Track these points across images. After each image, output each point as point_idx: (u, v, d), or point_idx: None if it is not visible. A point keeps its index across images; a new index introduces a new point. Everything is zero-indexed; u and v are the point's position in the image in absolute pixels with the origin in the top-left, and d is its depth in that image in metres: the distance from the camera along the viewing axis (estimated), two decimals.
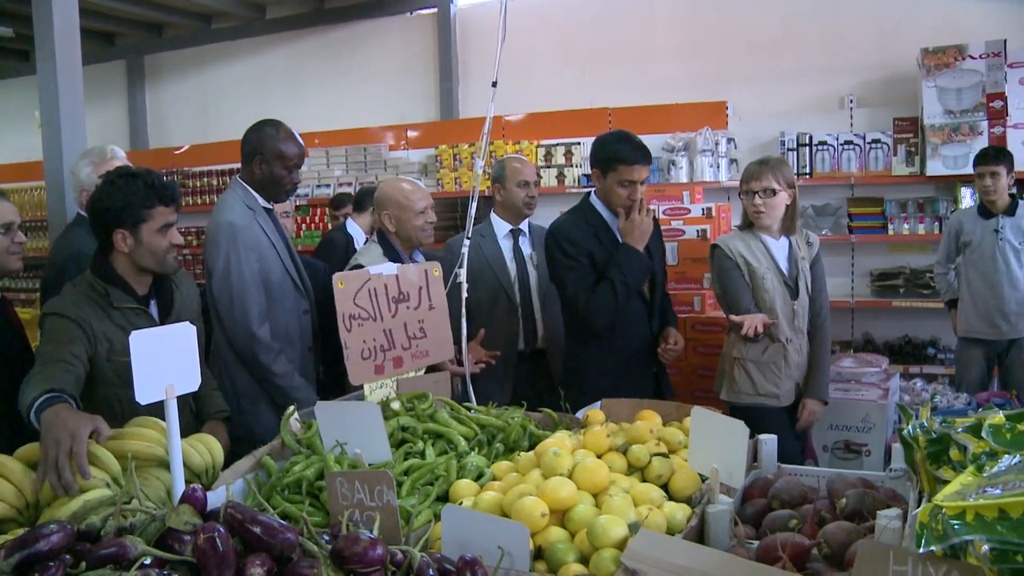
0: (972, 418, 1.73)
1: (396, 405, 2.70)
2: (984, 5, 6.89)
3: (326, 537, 1.71)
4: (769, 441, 2.54)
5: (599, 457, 2.28)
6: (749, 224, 4.02)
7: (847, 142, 6.80)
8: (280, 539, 1.59)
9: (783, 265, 3.95)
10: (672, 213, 5.18)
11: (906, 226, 6.64)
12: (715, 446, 2.11)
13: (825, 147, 6.84)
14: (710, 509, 2.05)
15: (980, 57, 6.44)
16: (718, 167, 6.96)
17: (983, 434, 1.53)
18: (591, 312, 3.75)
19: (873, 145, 6.75)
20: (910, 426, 1.87)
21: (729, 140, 7.13)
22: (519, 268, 4.52)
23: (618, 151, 3.82)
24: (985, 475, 1.40)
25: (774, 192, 3.87)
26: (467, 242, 3.56)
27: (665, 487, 2.27)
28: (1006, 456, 1.44)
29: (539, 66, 8.16)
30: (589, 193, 4.01)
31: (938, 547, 1.28)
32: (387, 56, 9.16)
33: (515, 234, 4.58)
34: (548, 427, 2.80)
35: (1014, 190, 5.62)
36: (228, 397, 3.35)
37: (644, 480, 2.28)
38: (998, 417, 1.55)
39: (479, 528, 1.78)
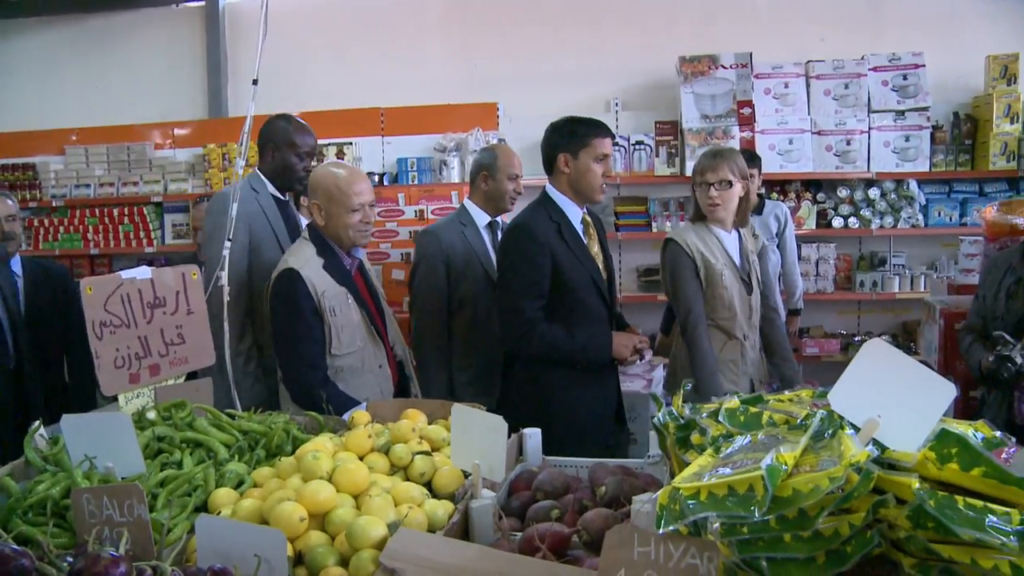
0: (715, 404, 1.82)
1: (152, 415, 2.58)
2: (733, 20, 7.33)
3: (70, 559, 1.61)
4: (533, 435, 2.59)
5: (361, 459, 2.25)
6: (701, 217, 3.93)
7: (613, 143, 7.05)
8: (13, 566, 1.48)
9: (736, 260, 3.90)
10: (440, 212, 5.21)
11: (668, 224, 6.95)
12: (476, 442, 2.13)
13: None
14: (473, 504, 2.06)
15: (731, 67, 6.85)
16: None
17: (720, 418, 1.61)
18: (528, 338, 3.55)
19: (637, 147, 7.04)
20: (660, 413, 1.95)
21: (500, 140, 7.24)
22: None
23: (590, 126, 3.66)
24: (721, 456, 1.47)
25: (730, 184, 3.82)
26: (228, 244, 3.44)
27: (430, 485, 2.27)
28: (739, 437, 1.53)
29: (311, 65, 8.01)
30: (543, 188, 3.79)
31: (677, 526, 1.34)
32: (152, 49, 8.70)
33: (492, 227, 4.39)
34: (313, 430, 2.75)
35: (762, 191, 6.00)
36: None
37: (408, 479, 2.27)
38: (733, 402, 1.64)
39: (236, 537, 1.72)
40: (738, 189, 3.88)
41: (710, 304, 3.84)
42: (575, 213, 3.70)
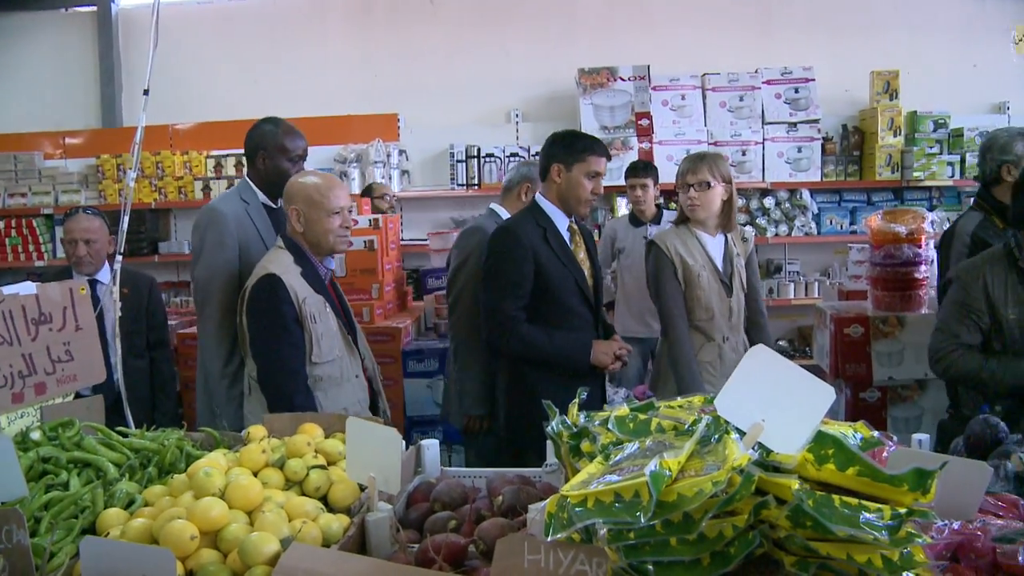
0: (607, 412, 1.84)
1: (36, 435, 2.49)
2: (632, 33, 7.46)
3: None
4: (431, 446, 2.58)
5: (256, 474, 2.22)
6: (685, 219, 4.00)
7: (513, 154, 7.12)
8: None
9: (718, 262, 3.97)
10: None
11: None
12: (371, 455, 2.11)
13: (493, 159, 7.12)
14: (369, 517, 2.05)
15: (629, 79, 6.98)
16: (390, 178, 7.05)
17: (609, 425, 1.64)
18: (507, 337, 3.65)
19: (537, 157, 7.07)
20: (554, 422, 1.96)
21: (401, 152, 7.25)
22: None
23: (588, 142, 3.74)
24: (610, 463, 1.49)
25: (709, 185, 3.88)
26: (119, 259, 3.36)
27: (326, 499, 2.25)
28: (628, 444, 1.55)
29: (209, 75, 7.89)
30: (533, 198, 3.86)
31: (565, 533, 1.35)
32: (41, 55, 8.41)
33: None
34: (209, 447, 2.70)
35: (660, 200, 6.11)
36: None
37: (304, 494, 2.25)
38: (623, 409, 1.67)
39: (122, 558, 1.67)
40: (719, 191, 3.96)
41: (688, 305, 3.95)
42: (562, 220, 3.78)
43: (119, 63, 8.24)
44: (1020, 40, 7.67)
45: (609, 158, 3.85)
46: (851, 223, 7.18)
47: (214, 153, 7.49)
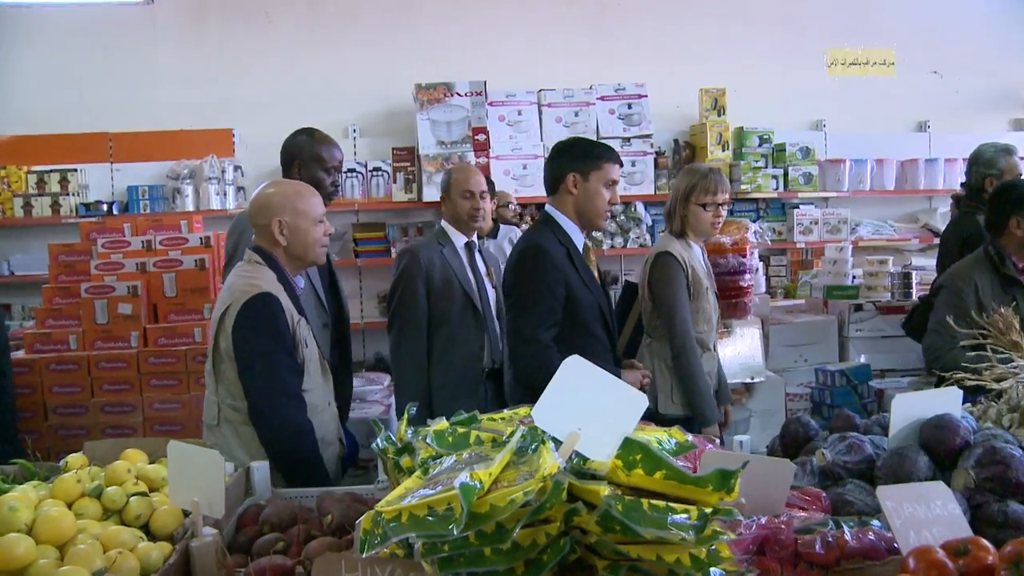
0: (430, 427, 1.85)
1: None
2: (468, 48, 7.52)
3: None
4: (260, 468, 2.54)
5: (70, 506, 2.12)
6: (682, 233, 3.97)
7: (351, 170, 7.05)
8: None
9: (710, 273, 4.02)
10: (169, 243, 5.03)
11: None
12: (194, 479, 2.06)
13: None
14: (193, 543, 1.99)
15: (466, 95, 7.03)
16: (225, 195, 6.89)
17: (427, 440, 1.64)
18: (545, 371, 3.35)
19: (375, 173, 7.08)
20: (379, 438, 1.96)
21: (236, 167, 7.08)
22: (478, 283, 4.22)
23: (603, 148, 3.57)
24: (427, 478, 1.50)
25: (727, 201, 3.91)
26: None
27: (149, 527, 2.18)
28: (447, 458, 1.56)
29: (31, 85, 7.49)
30: (542, 208, 3.68)
31: (378, 550, 1.35)
32: None
33: (470, 248, 4.27)
34: (21, 479, 2.57)
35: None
36: None
37: (124, 523, 2.17)
38: (442, 423, 1.68)
39: None
40: None
41: (693, 317, 3.90)
42: (579, 238, 3.59)
43: None
44: (832, 64, 8.16)
45: (622, 164, 3.70)
46: None
47: (36, 168, 7.10)
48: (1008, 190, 4.09)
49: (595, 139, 4.10)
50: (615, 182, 3.57)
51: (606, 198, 3.52)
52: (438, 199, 6.78)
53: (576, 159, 3.54)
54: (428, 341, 4.20)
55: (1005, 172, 4.75)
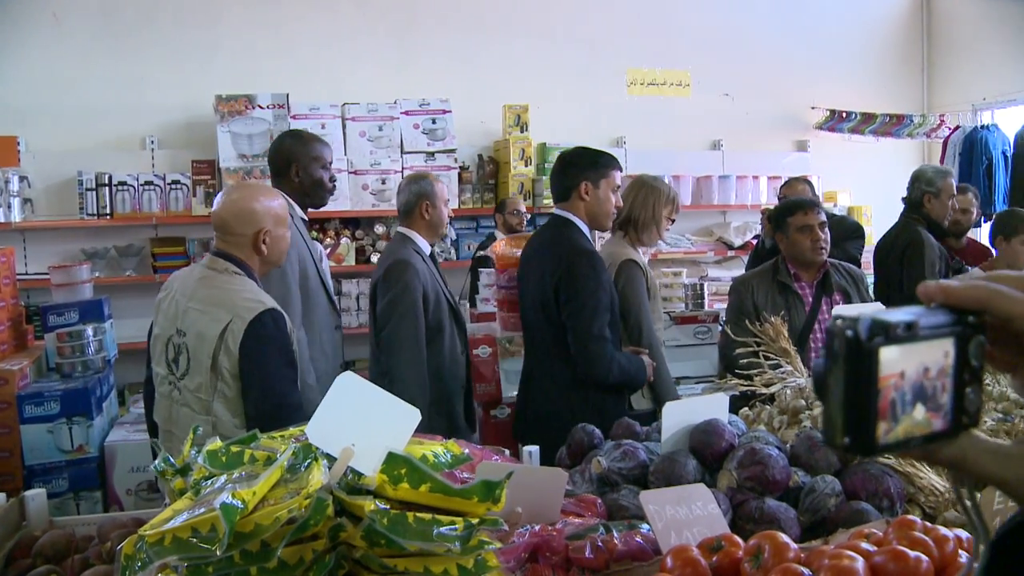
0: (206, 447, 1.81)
1: None
2: (271, 60, 7.40)
3: None
4: (36, 497, 2.43)
5: None
6: (635, 241, 4.17)
7: (148, 183, 6.80)
8: None
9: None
10: None
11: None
12: None
13: (126, 187, 6.76)
14: None
15: (268, 107, 6.91)
16: (10, 207, 6.51)
17: (200, 460, 1.62)
18: (611, 366, 3.61)
19: (174, 186, 6.85)
20: (158, 460, 1.90)
21: (22, 178, 6.70)
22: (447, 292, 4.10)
23: (608, 157, 3.84)
24: (198, 499, 1.48)
25: None
26: None
27: None
28: (218, 479, 1.54)
29: None
30: (557, 214, 3.89)
31: (143, 575, 1.32)
32: None
33: (433, 257, 4.18)
34: None
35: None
36: None
37: None
38: (216, 443, 1.65)
39: None
40: None
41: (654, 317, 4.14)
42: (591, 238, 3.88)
43: None
44: (631, 83, 8.49)
45: (622, 171, 3.97)
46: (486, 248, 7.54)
47: None
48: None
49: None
50: (619, 187, 3.87)
51: (613, 203, 3.83)
52: None
53: (587, 168, 3.80)
54: None
55: (942, 191, 5.43)
